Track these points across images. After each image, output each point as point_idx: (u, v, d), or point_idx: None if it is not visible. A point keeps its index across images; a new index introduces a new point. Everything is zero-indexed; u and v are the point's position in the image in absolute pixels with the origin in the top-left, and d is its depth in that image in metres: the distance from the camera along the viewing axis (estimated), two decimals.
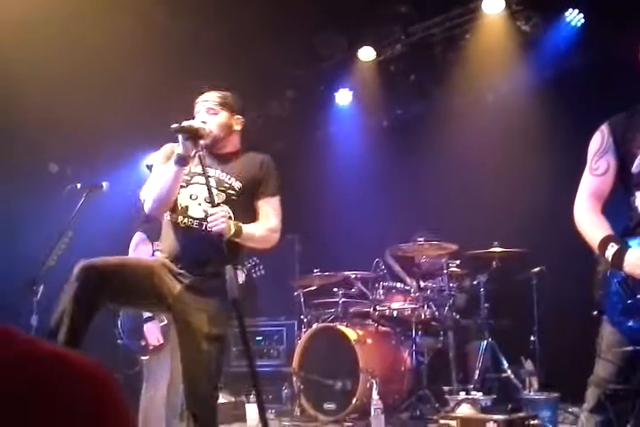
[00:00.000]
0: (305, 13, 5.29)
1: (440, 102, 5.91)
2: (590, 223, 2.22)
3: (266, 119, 6.63)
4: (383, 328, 4.88)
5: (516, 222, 4.96)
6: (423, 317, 4.75)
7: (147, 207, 2.70)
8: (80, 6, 4.68)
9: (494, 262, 4.68)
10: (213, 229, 2.47)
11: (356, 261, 5.22)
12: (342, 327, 4.67)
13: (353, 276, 5.13)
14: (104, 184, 3.72)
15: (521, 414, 3.70)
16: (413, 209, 5.63)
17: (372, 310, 4.89)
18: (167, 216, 2.73)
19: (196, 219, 2.66)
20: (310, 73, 6.26)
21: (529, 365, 4.47)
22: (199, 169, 2.67)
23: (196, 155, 2.63)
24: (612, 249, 2.10)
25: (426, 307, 4.77)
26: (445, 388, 4.39)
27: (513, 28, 5.19)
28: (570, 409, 4.01)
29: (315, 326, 4.92)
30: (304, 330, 5.07)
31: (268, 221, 2.72)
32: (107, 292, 2.44)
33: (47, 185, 6.19)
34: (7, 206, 5.97)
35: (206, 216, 2.53)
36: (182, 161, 2.60)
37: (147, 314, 3.64)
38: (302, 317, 5.30)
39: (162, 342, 3.57)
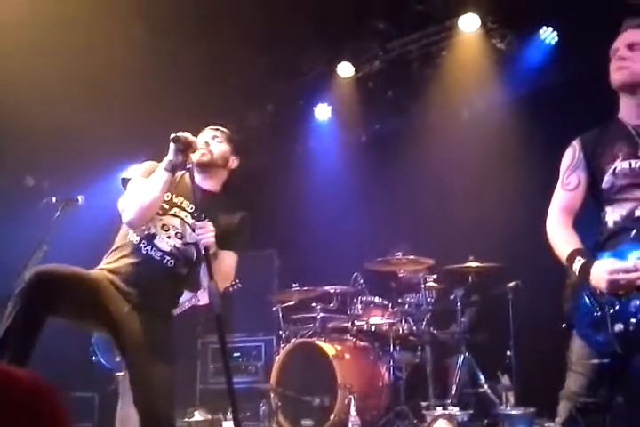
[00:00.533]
0: (285, 29, 5.33)
1: (417, 118, 5.97)
2: (560, 237, 2.25)
3: (245, 133, 6.64)
4: (361, 343, 4.87)
5: (492, 237, 5.00)
6: (401, 331, 4.75)
7: (126, 217, 2.63)
8: (59, 18, 4.67)
9: (470, 277, 4.71)
10: (202, 241, 2.47)
11: (335, 276, 5.21)
12: (320, 343, 4.65)
13: (332, 290, 5.12)
14: (79, 198, 3.70)
15: None
16: (391, 224, 5.65)
17: (350, 324, 4.87)
18: (131, 237, 2.66)
19: (160, 250, 2.62)
20: (290, 87, 6.29)
21: (505, 380, 4.47)
22: (180, 201, 2.70)
23: (185, 172, 2.65)
24: (578, 262, 2.13)
25: (404, 322, 4.77)
26: (423, 403, 4.39)
27: (488, 45, 5.27)
28: (546, 424, 4.00)
29: (293, 341, 4.89)
30: (282, 346, 5.04)
31: (226, 267, 2.68)
32: (53, 303, 2.37)
33: (23, 199, 6.13)
34: None
35: (187, 232, 2.55)
36: (172, 168, 2.61)
37: None
38: (280, 332, 5.27)
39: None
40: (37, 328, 2.32)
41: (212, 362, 6.14)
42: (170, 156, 2.62)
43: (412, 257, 4.80)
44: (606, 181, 2.21)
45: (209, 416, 5.42)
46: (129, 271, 2.59)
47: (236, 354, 6.08)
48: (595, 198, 2.30)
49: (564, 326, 2.18)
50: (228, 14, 5.19)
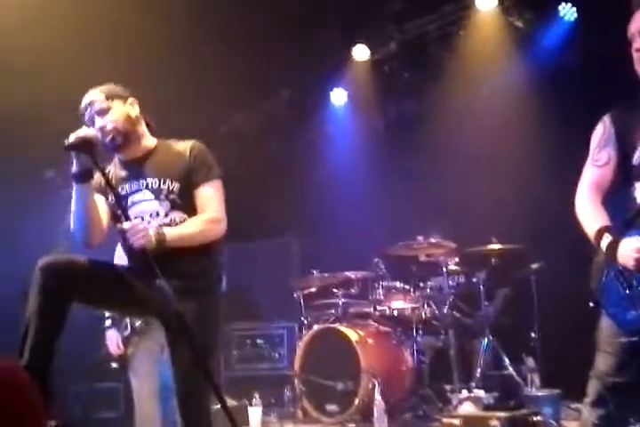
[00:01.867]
0: (298, 13, 5.28)
1: (435, 100, 5.89)
2: (589, 214, 2.22)
3: (262, 119, 6.63)
4: (384, 328, 4.86)
5: (514, 219, 4.94)
6: (423, 316, 4.74)
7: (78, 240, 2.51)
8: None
9: (492, 259, 4.67)
10: (134, 244, 2.29)
11: (356, 262, 5.20)
12: (343, 328, 4.65)
13: (352, 276, 5.11)
14: None
15: (523, 411, 3.68)
16: (411, 207, 5.60)
17: (372, 310, 4.87)
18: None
19: None
20: (305, 72, 6.24)
21: (530, 362, 4.44)
22: (130, 188, 2.53)
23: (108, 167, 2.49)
24: (606, 240, 2.10)
25: (426, 306, 4.76)
26: (447, 386, 4.38)
27: (506, 23, 5.19)
28: (572, 405, 3.98)
29: (315, 327, 4.90)
30: (305, 332, 5.05)
31: (204, 212, 2.51)
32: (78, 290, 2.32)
33: (44, 191, 6.18)
34: (4, 213, 5.96)
35: (123, 232, 2.34)
36: (82, 177, 2.40)
37: (107, 322, 3.61)
38: (302, 319, 5.28)
39: (122, 350, 3.55)
40: (57, 317, 2.29)
41: (236, 349, 6.18)
42: (73, 167, 2.39)
43: (433, 241, 4.76)
44: (637, 157, 2.19)
45: (234, 403, 5.46)
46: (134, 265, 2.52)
47: (259, 341, 6.10)
48: (624, 174, 2.26)
49: (591, 304, 2.15)
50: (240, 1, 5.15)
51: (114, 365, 3.64)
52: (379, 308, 4.83)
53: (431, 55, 5.68)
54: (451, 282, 4.88)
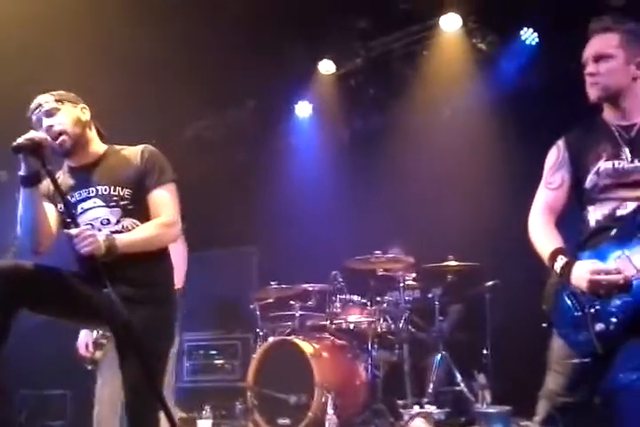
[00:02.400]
0: (267, 25, 5.30)
1: (399, 116, 5.97)
2: (542, 236, 2.26)
3: (225, 128, 6.60)
4: (339, 342, 4.85)
5: (471, 236, 5.02)
6: (379, 330, 4.75)
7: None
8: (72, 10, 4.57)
9: (449, 276, 4.73)
10: (82, 251, 2.23)
11: (314, 274, 5.19)
12: (298, 341, 4.62)
13: (310, 288, 5.10)
14: None
15: None
16: (371, 222, 5.65)
17: (328, 323, 4.86)
18: None
19: None
20: (271, 84, 6.25)
21: (482, 378, 4.50)
22: (79, 195, 2.47)
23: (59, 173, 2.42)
24: (560, 262, 2.13)
25: (382, 320, 4.78)
26: (400, 402, 4.39)
27: (469, 45, 5.29)
28: (522, 423, 4.03)
29: (270, 339, 4.86)
30: (259, 344, 5.01)
31: (158, 216, 2.46)
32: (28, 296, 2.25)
33: None
34: None
35: (71, 238, 2.27)
36: (30, 180, 2.33)
37: None
38: (258, 330, 5.23)
39: (91, 353, 3.47)
40: (1, 324, 2.21)
41: (188, 360, 6.09)
42: (21, 170, 2.32)
43: (391, 255, 4.80)
44: (589, 181, 2.23)
45: (184, 415, 5.37)
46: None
47: (212, 352, 6.03)
48: (577, 198, 2.31)
49: (544, 325, 2.18)
50: (209, 10, 5.14)
51: (88, 367, 3.53)
52: (335, 321, 4.83)
53: (396, 72, 5.76)
54: (407, 297, 4.91)
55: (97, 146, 2.58)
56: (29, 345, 4.13)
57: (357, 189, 5.95)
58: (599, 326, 2.02)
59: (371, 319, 4.73)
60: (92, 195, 2.47)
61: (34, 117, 2.49)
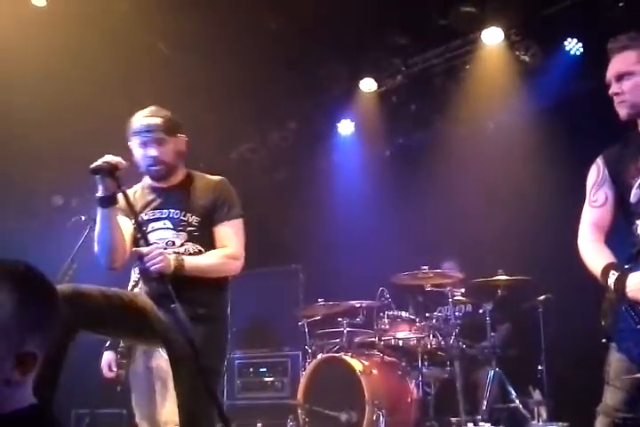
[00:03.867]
0: (307, 45, 5.39)
1: (441, 132, 5.96)
2: (592, 253, 2.26)
3: (267, 150, 6.69)
4: (389, 358, 4.83)
5: (521, 250, 4.95)
6: (429, 346, 4.70)
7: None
8: (82, 32, 4.75)
9: (499, 291, 4.66)
10: (151, 269, 2.36)
11: (361, 291, 5.19)
12: (347, 358, 4.62)
13: (357, 305, 5.10)
14: None
15: None
16: (417, 238, 5.63)
17: (377, 339, 4.83)
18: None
19: None
20: (312, 104, 6.33)
21: (537, 394, 4.41)
22: (153, 214, 2.62)
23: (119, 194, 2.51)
24: (613, 277, 2.12)
25: (432, 336, 4.73)
26: (453, 419, 4.33)
27: (512, 57, 5.25)
28: None
29: (319, 356, 4.87)
30: (308, 361, 5.02)
31: (224, 247, 2.61)
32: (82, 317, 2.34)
33: (52, 218, 6.23)
34: (12, 240, 5.98)
35: (141, 256, 2.40)
36: (108, 201, 2.48)
37: (106, 343, 3.62)
38: (307, 347, 5.25)
39: (114, 373, 3.53)
40: (60, 347, 2.30)
41: (239, 377, 6.13)
42: (98, 191, 2.48)
43: (439, 271, 4.77)
44: (634, 195, 2.23)
45: None
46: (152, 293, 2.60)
47: (262, 369, 6.06)
48: (624, 213, 2.31)
49: (604, 340, 2.15)
50: (249, 33, 5.26)
51: (118, 388, 3.61)
52: (384, 338, 4.80)
53: (437, 88, 5.76)
54: (457, 312, 4.86)
55: (180, 172, 2.74)
56: (84, 363, 4.23)
57: (401, 204, 5.95)
58: None
59: (420, 335, 4.70)
60: (163, 216, 2.63)
61: (138, 138, 2.63)
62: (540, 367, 4.45)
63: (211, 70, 5.50)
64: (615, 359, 2.15)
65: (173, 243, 2.60)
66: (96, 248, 2.58)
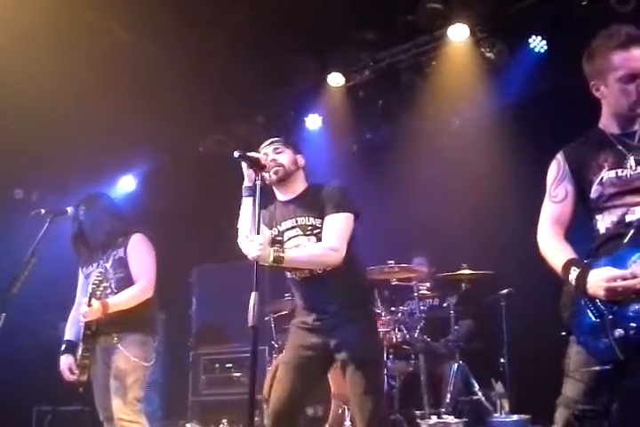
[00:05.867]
0: (275, 39, 5.35)
1: (408, 127, 5.99)
2: (553, 249, 2.27)
3: (235, 144, 6.64)
4: None
5: (485, 245, 5.01)
6: (394, 340, 4.73)
7: None
8: (46, 21, 4.63)
9: (463, 285, 4.72)
10: (249, 256, 2.56)
11: None
12: None
13: None
14: (69, 209, 3.65)
15: None
16: (384, 232, 5.65)
17: None
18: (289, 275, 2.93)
19: (301, 271, 2.86)
20: (280, 98, 6.30)
21: (499, 387, 4.47)
22: (285, 225, 2.91)
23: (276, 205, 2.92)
24: (574, 272, 2.14)
25: (397, 330, 4.76)
26: (417, 412, 4.37)
27: (478, 54, 5.30)
28: None
29: None
30: (275, 356, 5.00)
31: (325, 239, 2.79)
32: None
33: (12, 211, 6.08)
34: None
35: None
36: (246, 191, 2.83)
37: (62, 347, 3.59)
38: (273, 342, 5.23)
39: (76, 375, 3.49)
40: None
41: (204, 374, 6.09)
42: (245, 181, 2.82)
43: (404, 265, 4.80)
44: (594, 191, 2.24)
45: None
46: (301, 299, 2.96)
47: (228, 365, 6.03)
48: (584, 208, 2.32)
49: (563, 333, 2.18)
50: (217, 25, 5.20)
51: (80, 389, 3.55)
52: None
53: (404, 83, 5.79)
54: (422, 306, 4.91)
55: (301, 185, 3.04)
56: (46, 361, 4.15)
57: (368, 200, 5.92)
58: (618, 332, 2.01)
59: (385, 329, 4.72)
60: (294, 225, 2.91)
61: (264, 149, 3.01)
62: (502, 360, 4.52)
63: (178, 61, 5.44)
64: (574, 352, 2.18)
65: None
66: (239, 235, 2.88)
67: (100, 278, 3.38)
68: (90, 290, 3.37)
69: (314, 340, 2.84)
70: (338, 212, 2.82)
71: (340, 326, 2.79)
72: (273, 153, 2.98)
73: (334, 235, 2.78)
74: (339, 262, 2.78)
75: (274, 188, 3.03)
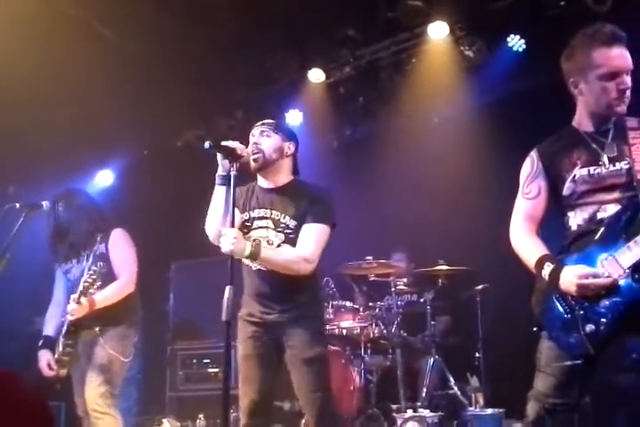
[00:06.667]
0: (256, 35, 5.34)
1: (388, 124, 6.01)
2: (526, 245, 2.30)
3: (216, 138, 6.62)
4: (333, 347, 4.86)
5: (462, 241, 5.05)
6: (372, 335, 4.77)
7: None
8: (23, 17, 4.58)
9: (440, 280, 4.76)
10: (223, 249, 2.51)
11: None
12: None
13: None
14: (44, 203, 3.61)
15: None
16: (363, 228, 5.67)
17: None
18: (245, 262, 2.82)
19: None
20: (261, 94, 6.29)
21: (474, 381, 4.53)
22: (258, 213, 2.82)
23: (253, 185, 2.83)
24: (548, 268, 2.17)
25: (374, 325, 4.80)
26: (394, 406, 4.41)
27: (457, 52, 5.33)
28: (515, 425, 4.07)
29: None
30: None
31: (302, 248, 2.74)
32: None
33: None
34: None
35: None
36: (220, 180, 2.73)
37: (40, 342, 3.57)
38: None
39: (54, 371, 3.48)
40: None
41: (182, 369, 6.07)
42: (219, 169, 2.71)
43: (382, 261, 4.83)
44: (567, 188, 2.28)
45: (178, 424, 5.36)
46: (252, 289, 2.87)
47: (205, 360, 6.02)
48: (557, 205, 2.36)
49: (534, 329, 2.22)
50: (197, 20, 5.18)
51: (58, 386, 3.54)
52: (328, 327, 4.84)
53: (384, 80, 5.79)
54: (399, 302, 4.94)
55: (284, 176, 2.92)
56: (22, 357, 4.12)
57: (348, 196, 5.95)
58: (589, 328, 2.06)
59: (363, 325, 4.76)
60: (267, 216, 2.83)
61: (253, 130, 2.91)
62: (477, 355, 4.57)
63: (158, 57, 5.40)
64: (546, 347, 2.22)
65: (272, 243, 2.78)
66: (206, 223, 2.80)
67: (93, 277, 3.36)
68: (81, 288, 3.35)
69: (263, 335, 2.84)
70: (318, 222, 2.77)
71: (289, 325, 2.77)
72: (259, 135, 2.86)
73: (311, 245, 2.74)
74: (308, 273, 2.76)
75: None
